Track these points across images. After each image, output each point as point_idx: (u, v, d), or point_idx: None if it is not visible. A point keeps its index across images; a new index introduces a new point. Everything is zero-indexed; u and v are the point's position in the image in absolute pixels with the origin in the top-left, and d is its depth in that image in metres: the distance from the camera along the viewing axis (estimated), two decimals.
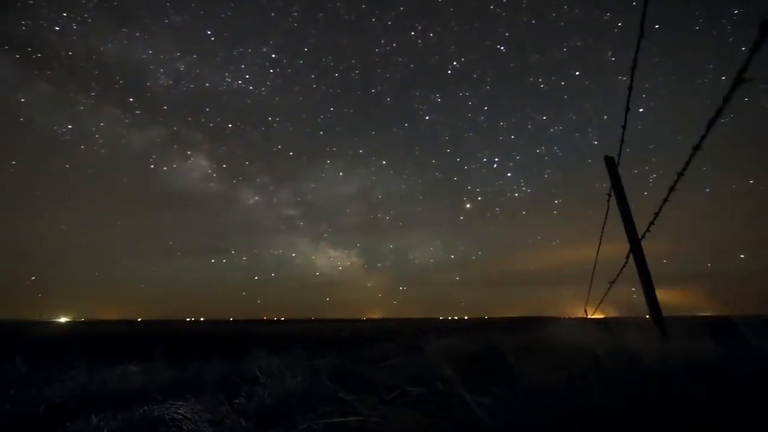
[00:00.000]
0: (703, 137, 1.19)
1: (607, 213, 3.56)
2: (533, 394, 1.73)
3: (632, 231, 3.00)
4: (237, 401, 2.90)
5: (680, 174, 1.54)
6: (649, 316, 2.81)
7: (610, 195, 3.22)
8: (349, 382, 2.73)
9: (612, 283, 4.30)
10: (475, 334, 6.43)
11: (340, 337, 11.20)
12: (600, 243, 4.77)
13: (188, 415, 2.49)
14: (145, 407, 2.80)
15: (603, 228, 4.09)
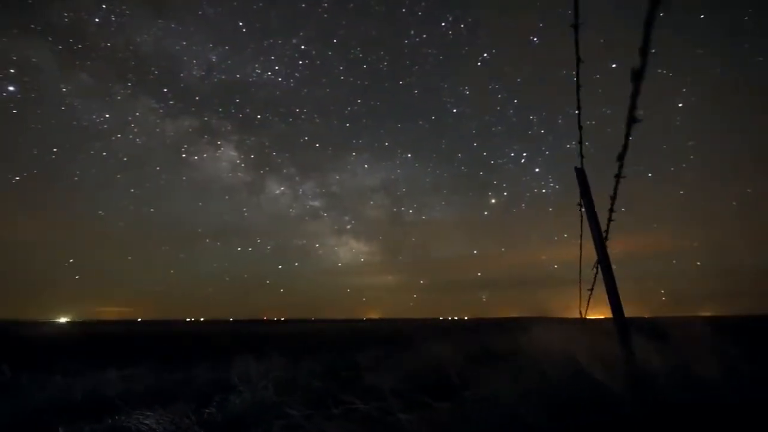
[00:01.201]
0: (618, 176, 1.20)
1: (581, 221, 3.59)
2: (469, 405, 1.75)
3: (600, 240, 3.02)
4: (207, 410, 2.93)
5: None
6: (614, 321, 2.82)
7: (581, 205, 3.24)
8: (300, 394, 2.74)
9: (591, 290, 4.34)
10: (445, 339, 6.46)
11: (323, 340, 11.24)
12: (581, 248, 4.80)
13: (153, 426, 2.51)
14: (116, 417, 2.83)
15: (581, 235, 4.12)
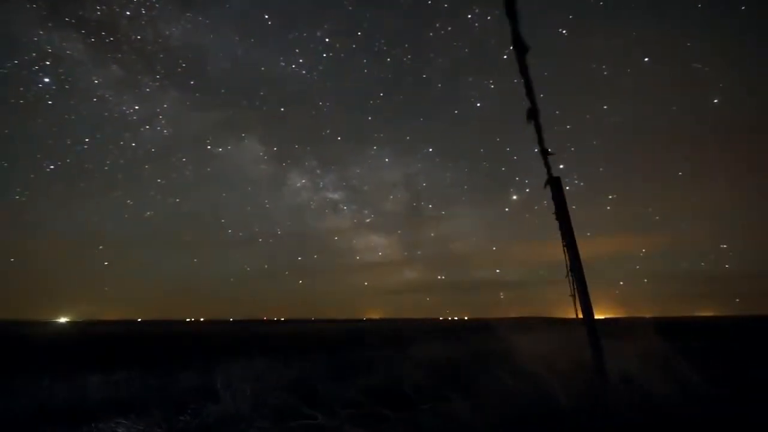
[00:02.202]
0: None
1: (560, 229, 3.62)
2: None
3: (573, 248, 3.05)
4: (182, 418, 2.94)
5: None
6: (584, 324, 2.86)
7: (555, 215, 3.26)
8: (269, 405, 2.75)
9: (573, 296, 4.36)
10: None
11: (313, 342, 11.25)
12: (564, 253, 4.83)
13: None
14: (91, 424, 2.85)
15: (562, 241, 4.14)
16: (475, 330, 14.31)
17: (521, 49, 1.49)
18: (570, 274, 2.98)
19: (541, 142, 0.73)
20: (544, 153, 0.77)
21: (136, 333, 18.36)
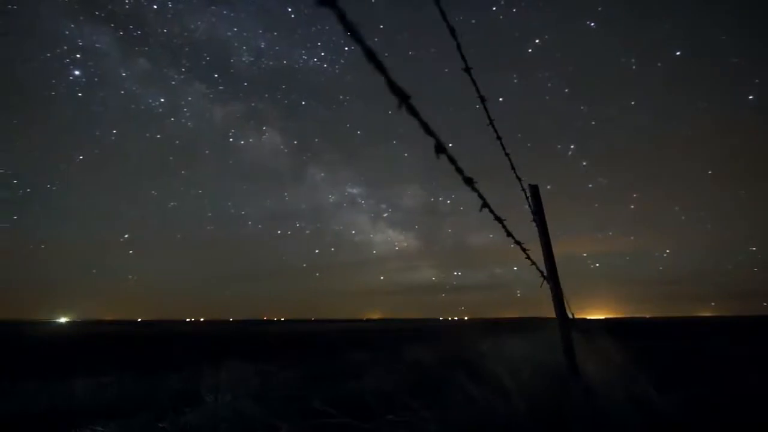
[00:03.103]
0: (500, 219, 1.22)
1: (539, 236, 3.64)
2: None
3: (549, 256, 3.08)
4: (163, 425, 2.97)
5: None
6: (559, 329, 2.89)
7: (534, 221, 3.29)
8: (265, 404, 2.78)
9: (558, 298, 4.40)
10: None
11: (303, 344, 11.29)
12: (552, 258, 4.86)
13: None
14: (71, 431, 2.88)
15: (543, 246, 4.17)
16: (470, 331, 14.34)
17: (481, 98, 1.51)
18: (543, 282, 3.00)
19: (460, 171, 0.74)
20: (468, 182, 0.78)
21: (135, 333, 18.42)
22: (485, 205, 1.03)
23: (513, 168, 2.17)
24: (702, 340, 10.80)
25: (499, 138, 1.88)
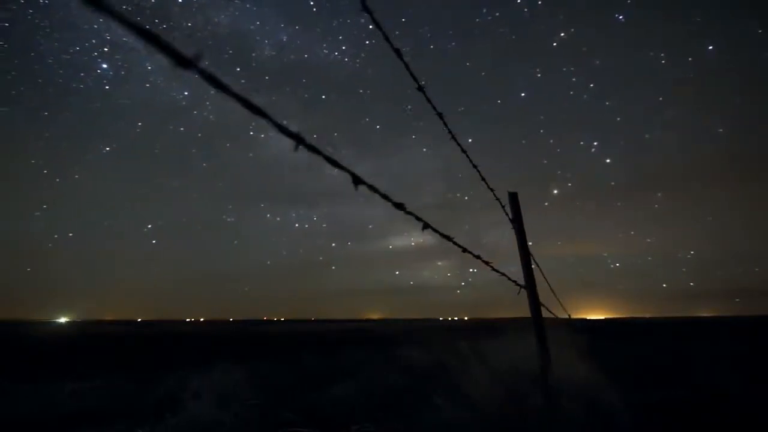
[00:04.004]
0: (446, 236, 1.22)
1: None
2: None
3: (527, 264, 3.09)
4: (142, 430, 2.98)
5: None
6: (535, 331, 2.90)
7: (513, 228, 3.31)
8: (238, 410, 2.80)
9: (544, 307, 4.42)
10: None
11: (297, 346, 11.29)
12: (526, 265, 4.88)
13: None
14: None
15: (521, 254, 4.18)
16: (464, 332, 14.34)
17: (439, 115, 1.52)
18: (520, 291, 3.01)
19: (386, 198, 0.75)
20: (399, 206, 0.79)
21: (134, 334, 18.43)
22: (426, 226, 1.04)
23: (483, 179, 2.17)
24: (702, 341, 10.81)
25: (464, 151, 1.88)
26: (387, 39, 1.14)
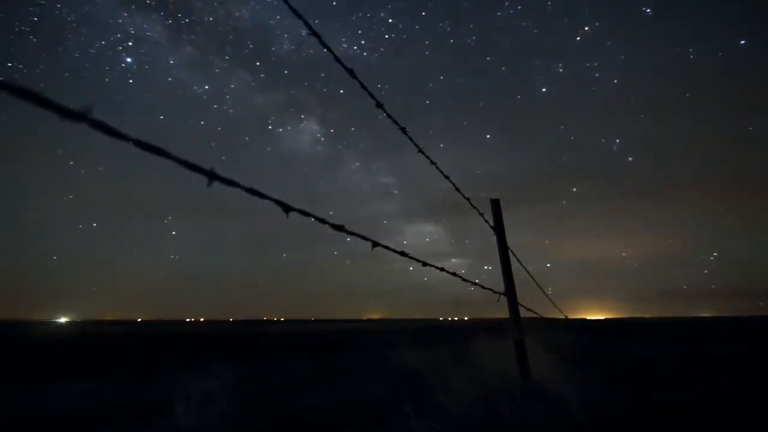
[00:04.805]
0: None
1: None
2: None
3: (507, 271, 3.12)
4: None
5: None
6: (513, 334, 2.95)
7: (494, 234, 3.34)
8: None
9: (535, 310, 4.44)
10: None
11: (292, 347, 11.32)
12: (506, 271, 4.90)
13: None
14: None
15: (501, 261, 4.20)
16: (459, 333, 14.36)
17: (402, 129, 1.54)
18: (500, 298, 3.04)
19: (322, 221, 0.77)
20: (338, 228, 0.81)
21: (133, 334, 18.49)
22: (376, 244, 1.07)
23: (457, 189, 2.21)
24: (701, 341, 10.82)
25: (433, 163, 1.92)
26: (338, 60, 1.17)
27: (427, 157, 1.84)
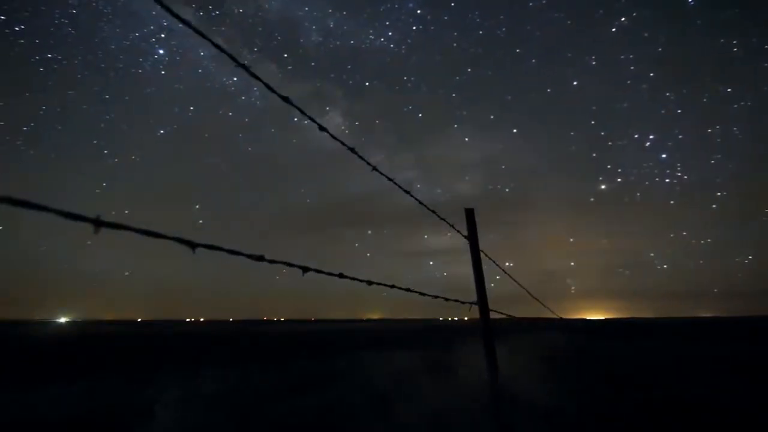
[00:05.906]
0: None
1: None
2: None
3: (479, 280, 3.18)
4: None
5: None
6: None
7: (468, 244, 3.38)
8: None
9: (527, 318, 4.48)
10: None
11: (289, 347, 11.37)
12: (479, 280, 4.92)
13: None
14: None
15: (474, 270, 4.24)
16: (455, 333, 14.36)
17: (351, 149, 1.59)
18: (471, 307, 3.09)
19: (236, 254, 0.81)
20: (258, 259, 0.85)
21: (132, 334, 18.62)
22: (306, 269, 1.12)
23: (421, 203, 2.25)
24: (701, 341, 10.77)
25: (390, 179, 1.96)
26: (272, 89, 1.22)
27: (383, 174, 1.89)
